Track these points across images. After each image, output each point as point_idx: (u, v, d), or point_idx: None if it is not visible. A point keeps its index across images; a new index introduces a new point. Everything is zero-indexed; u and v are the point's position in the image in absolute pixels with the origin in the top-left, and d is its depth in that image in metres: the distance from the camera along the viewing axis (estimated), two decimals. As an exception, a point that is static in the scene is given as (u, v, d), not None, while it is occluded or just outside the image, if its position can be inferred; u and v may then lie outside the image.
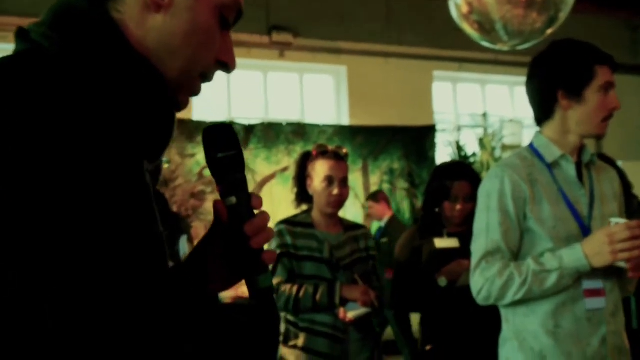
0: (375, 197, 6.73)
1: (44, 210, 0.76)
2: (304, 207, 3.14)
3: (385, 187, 7.76)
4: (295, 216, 3.10)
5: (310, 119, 7.86)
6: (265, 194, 7.02)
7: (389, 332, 5.82)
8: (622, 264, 2.08)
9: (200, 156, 6.67)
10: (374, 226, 6.82)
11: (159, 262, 0.95)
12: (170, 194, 6.52)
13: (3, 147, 0.74)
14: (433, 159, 8.01)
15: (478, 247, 2.24)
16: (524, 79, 2.39)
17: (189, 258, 1.10)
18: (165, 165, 5.24)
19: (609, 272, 2.16)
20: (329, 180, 2.97)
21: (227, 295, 5.38)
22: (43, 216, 0.75)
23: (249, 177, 7.02)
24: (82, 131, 0.82)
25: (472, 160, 7.78)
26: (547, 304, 2.16)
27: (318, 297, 2.83)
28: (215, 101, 7.55)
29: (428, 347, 3.19)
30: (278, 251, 2.94)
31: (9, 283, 0.72)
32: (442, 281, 3.07)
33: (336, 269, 2.94)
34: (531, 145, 2.35)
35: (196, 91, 1.02)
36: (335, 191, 2.96)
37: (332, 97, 8.16)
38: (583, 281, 2.15)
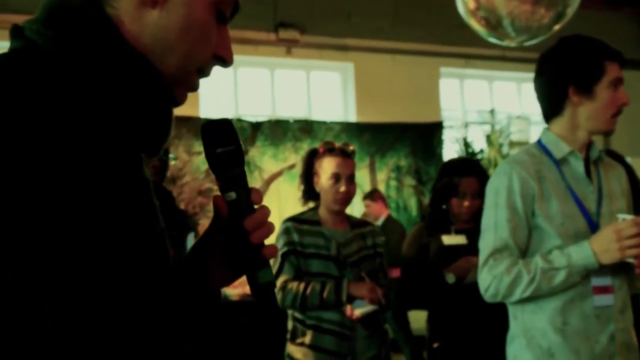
0: (372, 196, 6.74)
1: (42, 209, 0.75)
2: (311, 204, 3.14)
3: (393, 184, 7.76)
4: (302, 214, 3.10)
5: (317, 116, 7.85)
6: (272, 192, 7.03)
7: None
8: (630, 260, 2.08)
9: (208, 154, 6.66)
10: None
11: (159, 258, 0.94)
12: (177, 192, 6.52)
13: (0, 145, 0.74)
14: (440, 156, 7.99)
15: (486, 244, 2.24)
16: (531, 75, 2.38)
17: (190, 254, 1.10)
18: (172, 162, 5.25)
19: (618, 269, 2.15)
20: (336, 177, 2.96)
21: (233, 293, 5.40)
22: (41, 214, 0.75)
23: (255, 174, 7.03)
24: (79, 128, 0.82)
25: (479, 157, 7.76)
26: (555, 301, 2.16)
27: (325, 294, 2.83)
28: (222, 98, 7.56)
29: (435, 345, 3.19)
30: (285, 249, 2.94)
31: (9, 283, 0.72)
32: (450, 278, 3.07)
33: (343, 267, 2.94)
34: (539, 142, 2.34)
35: (194, 86, 1.01)
36: (342, 188, 2.96)
37: (339, 94, 8.16)
38: (591, 278, 2.15)
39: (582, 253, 2.08)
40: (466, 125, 8.54)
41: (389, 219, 6.58)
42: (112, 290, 0.83)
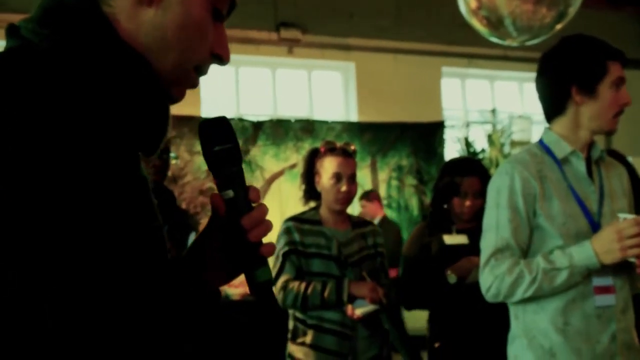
0: (368, 196, 6.74)
1: (40, 208, 0.75)
2: (312, 204, 3.13)
3: (394, 183, 7.76)
4: (303, 213, 3.10)
5: (318, 115, 7.85)
6: (273, 191, 7.03)
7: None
8: (632, 260, 2.08)
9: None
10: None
11: (157, 256, 0.94)
12: (179, 191, 6.52)
13: None
14: (442, 156, 7.99)
15: (487, 244, 2.23)
16: (533, 74, 2.38)
17: (188, 253, 1.09)
18: (173, 161, 5.24)
19: (619, 268, 2.15)
20: (337, 177, 2.96)
21: (234, 293, 5.40)
22: (39, 214, 0.75)
23: (257, 173, 7.03)
24: (75, 126, 0.81)
25: (480, 156, 7.75)
26: (556, 301, 2.15)
27: (326, 294, 2.83)
28: (223, 98, 7.56)
29: (436, 344, 3.18)
30: (286, 249, 2.94)
31: (9, 283, 0.72)
32: (452, 278, 3.06)
33: (344, 266, 2.94)
34: (541, 142, 2.34)
35: (193, 83, 1.01)
36: (344, 188, 2.95)
37: (341, 93, 8.16)
38: (593, 278, 2.14)
39: (584, 253, 2.08)
40: (468, 124, 8.53)
41: (384, 219, 6.58)
42: (111, 289, 0.83)
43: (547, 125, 2.35)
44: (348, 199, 3.00)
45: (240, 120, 7.10)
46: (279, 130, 7.29)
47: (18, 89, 0.78)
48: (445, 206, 3.27)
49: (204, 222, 6.80)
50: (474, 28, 3.99)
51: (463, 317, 3.07)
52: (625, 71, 2.25)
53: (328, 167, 2.98)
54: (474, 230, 2.94)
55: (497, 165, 7.34)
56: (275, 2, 7.32)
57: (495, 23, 3.76)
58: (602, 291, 2.15)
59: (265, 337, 4.64)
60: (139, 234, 0.89)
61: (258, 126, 7.21)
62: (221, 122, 1.02)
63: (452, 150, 8.13)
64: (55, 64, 0.85)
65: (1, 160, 0.73)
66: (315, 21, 7.59)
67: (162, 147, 2.92)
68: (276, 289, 2.93)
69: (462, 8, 3.92)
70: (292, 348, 2.95)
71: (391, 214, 7.64)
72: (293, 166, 7.18)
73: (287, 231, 2.98)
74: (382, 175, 7.75)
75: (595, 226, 2.18)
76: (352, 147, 3.07)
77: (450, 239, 3.20)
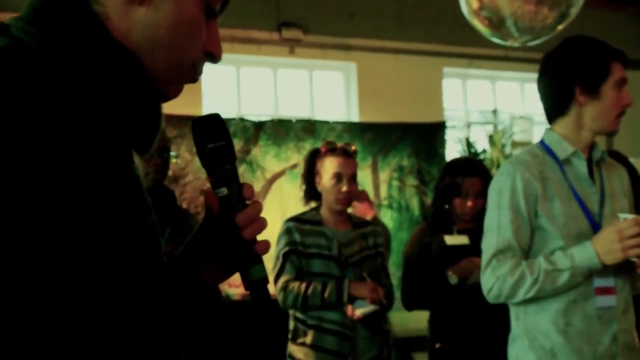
0: (358, 196, 6.71)
1: (38, 208, 0.75)
2: (313, 204, 3.13)
3: (395, 184, 7.75)
4: (303, 213, 3.10)
5: (319, 115, 7.84)
6: (274, 191, 7.02)
7: (398, 329, 5.82)
8: (634, 259, 2.08)
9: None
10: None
11: (152, 255, 0.94)
12: (180, 191, 6.51)
13: None
14: (443, 156, 7.97)
15: (489, 244, 2.23)
16: (534, 75, 2.38)
17: (183, 251, 1.09)
18: (174, 160, 5.24)
19: (620, 269, 2.15)
20: (338, 177, 2.96)
21: (235, 293, 5.40)
22: (37, 214, 0.75)
23: (258, 173, 7.03)
24: (65, 125, 0.81)
25: (481, 157, 7.74)
26: (558, 301, 2.15)
27: (326, 294, 2.83)
28: (224, 97, 7.55)
29: (437, 345, 3.18)
30: (286, 249, 2.94)
31: (9, 283, 0.72)
32: (453, 279, 3.06)
33: (345, 266, 2.93)
34: (542, 142, 2.33)
35: (192, 78, 1.00)
36: (344, 188, 2.95)
37: (342, 93, 8.15)
38: (594, 279, 2.15)
39: (585, 254, 2.08)
40: (469, 125, 8.52)
41: (374, 220, 6.57)
42: (109, 289, 0.83)
43: (548, 126, 2.35)
44: (349, 199, 3.00)
45: (242, 120, 7.09)
46: (280, 130, 7.28)
47: (6, 87, 0.77)
48: (447, 206, 3.27)
49: (204, 221, 6.79)
50: (475, 28, 3.98)
51: (464, 317, 3.07)
52: (626, 72, 2.25)
53: (329, 167, 2.98)
54: (475, 231, 2.93)
55: (498, 165, 7.33)
56: (277, 2, 7.32)
57: (496, 23, 3.75)
58: (603, 292, 2.15)
59: (264, 335, 4.64)
60: (133, 233, 0.89)
61: (259, 126, 7.20)
62: (214, 120, 1.02)
63: (453, 150, 8.12)
64: (44, 62, 0.84)
65: None
66: (316, 21, 7.58)
67: (162, 146, 2.91)
68: (276, 289, 2.93)
69: (464, 8, 3.91)
70: (293, 348, 2.95)
71: (392, 214, 7.63)
72: (294, 166, 7.17)
73: (287, 231, 2.98)
74: (383, 176, 7.74)
75: (596, 227, 2.18)
76: (353, 148, 3.07)
77: (451, 240, 3.20)
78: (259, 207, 1.01)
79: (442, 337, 3.17)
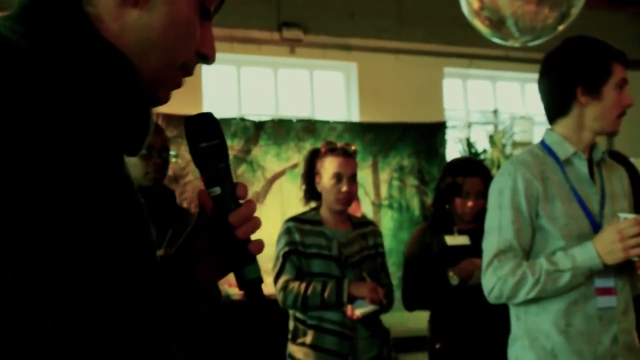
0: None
1: (35, 209, 0.75)
2: (313, 204, 3.13)
3: (395, 184, 7.74)
4: (303, 213, 3.10)
5: (320, 115, 7.83)
6: (275, 191, 7.02)
7: (398, 329, 5.81)
8: (635, 259, 2.08)
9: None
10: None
11: (146, 255, 0.94)
12: (180, 191, 6.51)
13: None
14: (443, 156, 7.97)
15: (490, 245, 2.23)
16: (535, 75, 2.37)
17: (177, 251, 1.08)
18: (173, 160, 5.23)
19: (621, 270, 2.15)
20: (338, 177, 2.96)
21: (235, 293, 5.39)
22: (35, 214, 0.74)
23: (258, 173, 7.02)
24: (53, 124, 0.80)
25: (482, 157, 7.73)
26: (559, 302, 2.15)
27: (326, 294, 2.83)
28: (225, 97, 7.55)
29: (437, 345, 3.18)
30: (286, 249, 2.94)
31: (9, 283, 0.72)
32: (454, 279, 3.05)
33: (344, 266, 2.93)
34: (543, 143, 2.33)
35: (178, 84, 0.99)
36: (344, 188, 2.95)
37: (342, 93, 8.14)
38: (595, 279, 2.14)
39: (587, 254, 2.08)
40: (469, 125, 8.52)
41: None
42: (106, 289, 0.82)
43: (548, 126, 2.35)
44: (348, 199, 2.99)
45: (242, 120, 7.09)
46: (281, 130, 7.28)
47: None
48: (447, 207, 3.27)
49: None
50: (476, 28, 3.98)
51: (464, 318, 3.07)
52: (626, 72, 2.25)
53: (328, 167, 2.97)
54: (476, 231, 2.93)
55: (498, 166, 7.32)
56: (277, 2, 7.31)
57: (497, 24, 3.75)
58: (604, 292, 2.15)
59: (264, 335, 4.64)
60: (126, 233, 0.89)
61: (260, 126, 7.19)
62: (208, 118, 1.01)
63: (453, 150, 8.11)
64: (32, 61, 0.83)
65: None
66: (317, 21, 7.57)
67: (162, 146, 2.90)
68: (276, 289, 2.93)
69: (464, 8, 3.91)
70: (292, 348, 2.95)
71: (392, 214, 7.63)
72: (294, 166, 7.17)
73: (287, 231, 2.98)
74: (384, 176, 7.73)
75: (596, 227, 2.18)
76: (353, 148, 3.07)
77: (451, 240, 3.20)
78: (252, 207, 1.01)
79: (442, 337, 3.17)
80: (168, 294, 1.00)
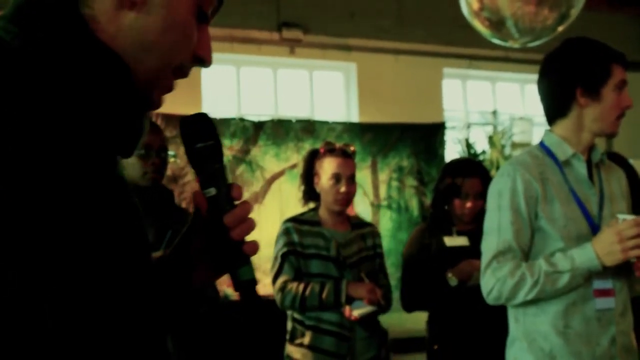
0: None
1: (34, 209, 0.75)
2: (312, 204, 3.13)
3: (394, 184, 7.74)
4: (302, 214, 3.09)
5: (319, 115, 7.84)
6: (274, 191, 7.02)
7: (396, 330, 5.81)
8: (634, 260, 2.08)
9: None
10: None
11: (140, 254, 0.94)
12: (179, 191, 6.51)
13: None
14: (442, 157, 7.97)
15: (489, 246, 2.23)
16: (534, 76, 2.37)
17: (172, 252, 1.08)
18: (172, 159, 5.23)
19: (619, 271, 2.15)
20: (336, 177, 2.96)
21: (234, 293, 5.39)
22: (34, 215, 0.74)
23: (257, 173, 7.02)
24: (47, 125, 0.80)
25: (481, 158, 7.74)
26: (557, 303, 2.15)
27: (324, 295, 2.82)
28: (224, 97, 7.55)
29: (435, 347, 3.18)
30: (285, 249, 2.94)
31: (9, 283, 0.71)
32: (452, 280, 3.05)
33: (343, 267, 2.93)
34: (542, 144, 2.33)
35: (170, 87, 0.98)
36: (343, 189, 2.95)
37: (342, 94, 8.15)
38: (593, 281, 2.14)
39: (585, 256, 2.08)
40: (468, 126, 8.52)
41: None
42: (103, 289, 0.82)
43: (548, 127, 2.35)
44: (347, 199, 2.99)
45: (241, 120, 7.09)
46: (280, 131, 7.28)
47: None
48: (446, 207, 3.26)
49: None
50: (475, 29, 3.98)
51: (462, 319, 3.07)
52: (626, 73, 2.25)
53: (327, 167, 2.97)
54: (475, 232, 2.93)
55: (497, 166, 7.33)
56: (277, 2, 7.31)
57: (497, 24, 3.75)
58: (602, 294, 2.15)
59: (262, 336, 4.65)
60: (120, 234, 0.88)
61: (259, 126, 7.19)
62: (203, 119, 1.01)
63: (452, 151, 8.12)
64: (26, 61, 0.83)
65: None
66: (316, 21, 7.57)
67: (160, 146, 2.90)
68: (275, 289, 2.93)
69: (464, 9, 3.91)
70: (291, 349, 2.95)
71: (391, 214, 7.63)
72: (294, 166, 7.17)
73: (286, 232, 2.97)
74: (383, 176, 7.74)
75: (595, 229, 2.18)
76: (352, 148, 3.07)
77: (450, 241, 3.20)
78: (247, 208, 1.01)
79: (441, 338, 3.17)
80: (164, 294, 1.00)
